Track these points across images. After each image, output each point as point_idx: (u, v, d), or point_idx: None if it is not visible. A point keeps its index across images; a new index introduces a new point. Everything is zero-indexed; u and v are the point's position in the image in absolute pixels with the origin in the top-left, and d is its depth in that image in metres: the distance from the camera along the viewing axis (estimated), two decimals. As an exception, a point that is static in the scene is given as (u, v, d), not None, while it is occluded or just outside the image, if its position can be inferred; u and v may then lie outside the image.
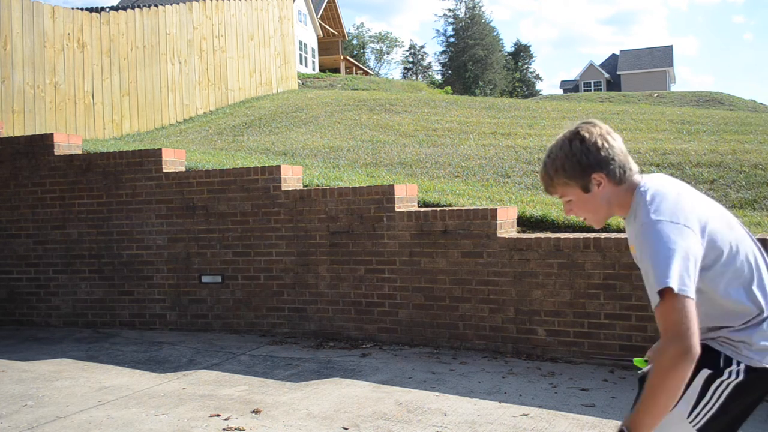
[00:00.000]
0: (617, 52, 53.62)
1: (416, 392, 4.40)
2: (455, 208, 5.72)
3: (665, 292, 1.75)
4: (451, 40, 58.23)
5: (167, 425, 3.92)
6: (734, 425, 1.96)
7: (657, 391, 1.74)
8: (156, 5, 12.49)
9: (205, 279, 6.32)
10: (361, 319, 5.79)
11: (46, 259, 6.82)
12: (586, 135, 1.98)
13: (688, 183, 6.76)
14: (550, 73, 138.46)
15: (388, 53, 72.45)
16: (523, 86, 62.34)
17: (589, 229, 5.56)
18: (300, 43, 31.32)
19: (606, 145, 1.97)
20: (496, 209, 5.30)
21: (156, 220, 6.47)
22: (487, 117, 12.02)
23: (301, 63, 31.04)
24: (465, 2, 58.15)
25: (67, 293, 6.76)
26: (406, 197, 5.82)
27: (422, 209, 5.72)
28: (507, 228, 5.44)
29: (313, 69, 34.32)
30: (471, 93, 47.72)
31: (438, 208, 5.74)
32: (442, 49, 71.03)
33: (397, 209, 5.65)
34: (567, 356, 5.04)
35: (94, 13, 11.07)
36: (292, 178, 6.23)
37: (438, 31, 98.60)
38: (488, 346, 5.31)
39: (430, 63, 69.51)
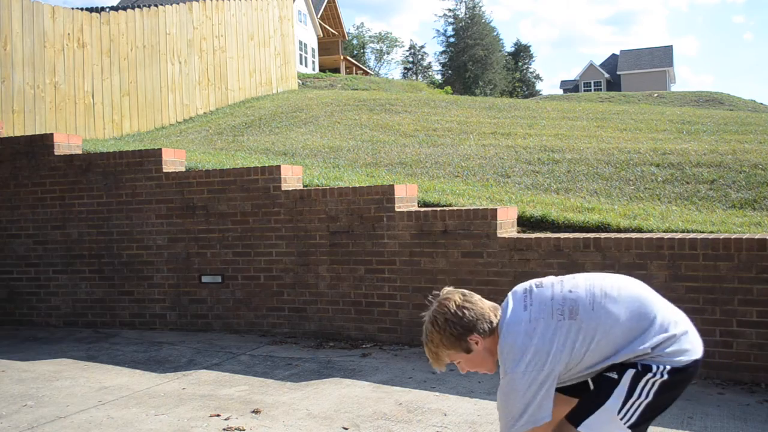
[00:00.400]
0: (617, 52, 53.63)
1: (416, 392, 4.40)
2: (455, 208, 5.72)
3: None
4: (451, 40, 58.20)
5: (167, 425, 3.92)
6: (657, 415, 2.18)
7: None
8: (156, 5, 12.49)
9: (205, 279, 6.32)
10: (361, 319, 5.79)
11: (46, 259, 6.82)
12: (446, 311, 2.29)
13: (688, 183, 6.79)
14: (550, 73, 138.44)
15: (388, 53, 72.50)
16: (523, 86, 62.32)
17: (589, 229, 5.57)
18: (300, 43, 31.32)
19: (466, 312, 2.28)
20: (496, 209, 5.30)
21: (156, 220, 6.47)
22: (487, 117, 12.02)
23: (301, 63, 31.04)
24: (465, 2, 58.14)
25: (67, 293, 6.76)
26: (406, 197, 5.82)
27: (422, 209, 5.72)
28: (507, 228, 5.44)
29: (313, 69, 34.33)
30: (471, 93, 47.71)
31: (438, 208, 5.74)
32: (442, 49, 71.01)
33: (397, 209, 5.65)
34: (567, 356, 5.03)
35: (94, 13, 11.07)
36: (292, 178, 6.23)
37: (438, 31, 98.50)
38: (488, 346, 5.30)
39: (430, 63, 69.48)
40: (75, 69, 10.43)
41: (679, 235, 4.78)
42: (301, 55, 31.64)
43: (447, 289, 2.37)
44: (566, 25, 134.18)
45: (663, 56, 50.96)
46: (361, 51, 65.80)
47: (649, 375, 2.07)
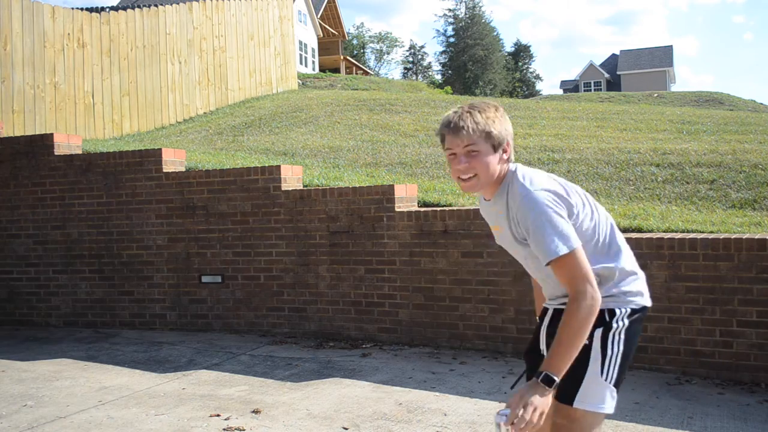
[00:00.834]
0: (617, 52, 53.63)
1: (416, 392, 4.40)
2: (455, 208, 5.72)
3: (559, 258, 2.02)
4: (451, 40, 58.19)
5: (167, 425, 3.92)
6: (628, 365, 2.22)
7: (575, 339, 1.98)
8: (156, 5, 12.48)
9: (205, 279, 6.32)
10: (361, 319, 5.79)
11: (46, 259, 6.82)
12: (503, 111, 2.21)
13: (688, 183, 6.79)
14: (550, 73, 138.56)
15: (388, 53, 72.48)
16: (523, 86, 62.31)
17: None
18: (300, 43, 31.32)
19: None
20: (496, 209, 5.29)
21: (156, 220, 6.47)
22: (487, 117, 11.98)
23: (301, 63, 31.04)
24: (465, 2, 58.14)
25: (67, 293, 6.76)
26: (406, 197, 5.82)
27: (422, 209, 5.72)
28: (507, 228, 5.44)
29: (313, 69, 34.33)
30: (471, 93, 47.70)
31: (438, 208, 5.74)
32: (442, 49, 70.98)
33: (397, 209, 5.65)
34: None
35: (94, 13, 11.07)
36: (292, 178, 6.24)
37: (438, 31, 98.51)
38: (488, 346, 5.31)
39: (430, 63, 69.45)
40: (75, 69, 10.43)
41: (679, 235, 4.78)
42: (301, 55, 31.65)
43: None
44: (566, 25, 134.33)
45: (663, 56, 50.97)
46: (361, 51, 65.81)
47: (614, 327, 2.14)
